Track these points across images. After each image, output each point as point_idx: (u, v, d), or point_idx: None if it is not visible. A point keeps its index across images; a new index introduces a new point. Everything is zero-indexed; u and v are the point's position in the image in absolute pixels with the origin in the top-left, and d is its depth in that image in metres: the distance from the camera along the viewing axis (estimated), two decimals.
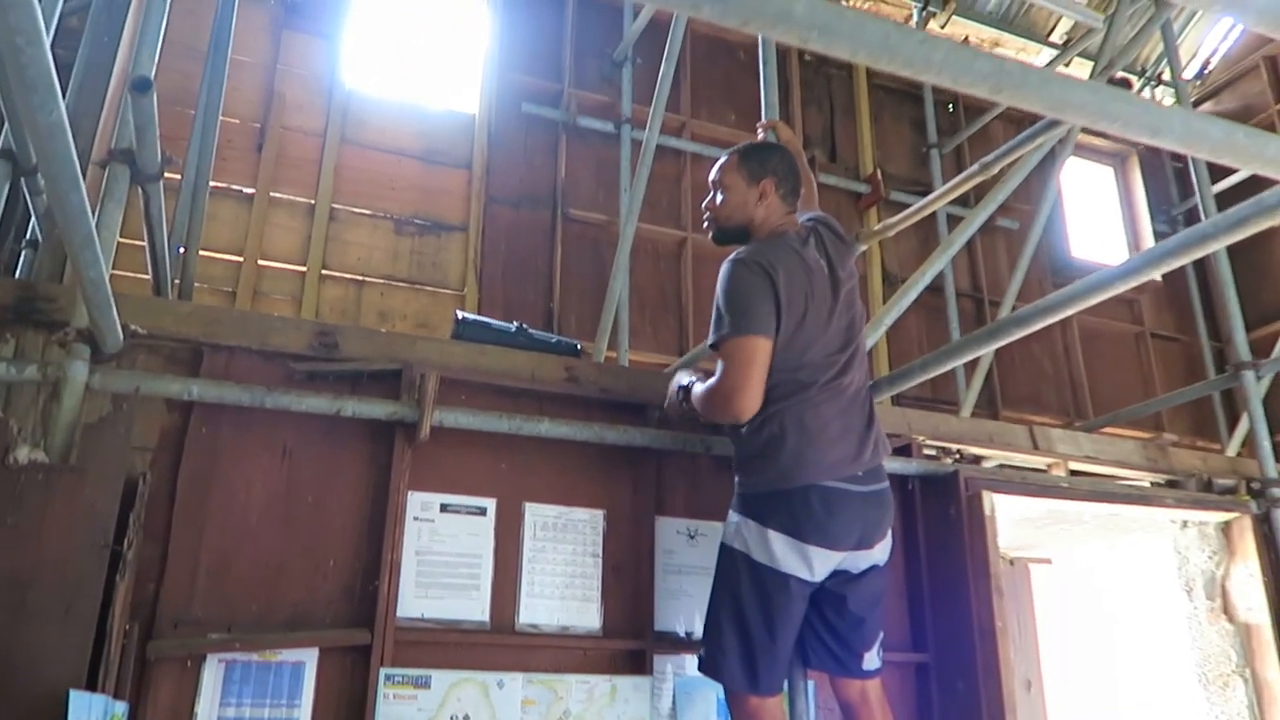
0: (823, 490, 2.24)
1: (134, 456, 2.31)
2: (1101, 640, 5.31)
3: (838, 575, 2.33)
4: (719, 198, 2.52)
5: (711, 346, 2.33)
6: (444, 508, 2.56)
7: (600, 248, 5.21)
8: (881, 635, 2.48)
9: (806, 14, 1.03)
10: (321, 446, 2.52)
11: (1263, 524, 3.39)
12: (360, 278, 4.72)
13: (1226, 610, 3.32)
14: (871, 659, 2.43)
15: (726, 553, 2.34)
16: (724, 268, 2.35)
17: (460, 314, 2.94)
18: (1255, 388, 3.89)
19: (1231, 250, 4.73)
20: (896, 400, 5.35)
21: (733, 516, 2.36)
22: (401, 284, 4.79)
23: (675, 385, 2.57)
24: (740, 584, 2.28)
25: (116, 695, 2.02)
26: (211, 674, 2.22)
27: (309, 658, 2.30)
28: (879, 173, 6.07)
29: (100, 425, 2.21)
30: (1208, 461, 3.66)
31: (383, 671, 2.31)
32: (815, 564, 2.25)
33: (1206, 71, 7.62)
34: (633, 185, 4.30)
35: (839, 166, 6.18)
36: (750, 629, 2.26)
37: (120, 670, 2.07)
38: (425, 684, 2.34)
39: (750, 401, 2.23)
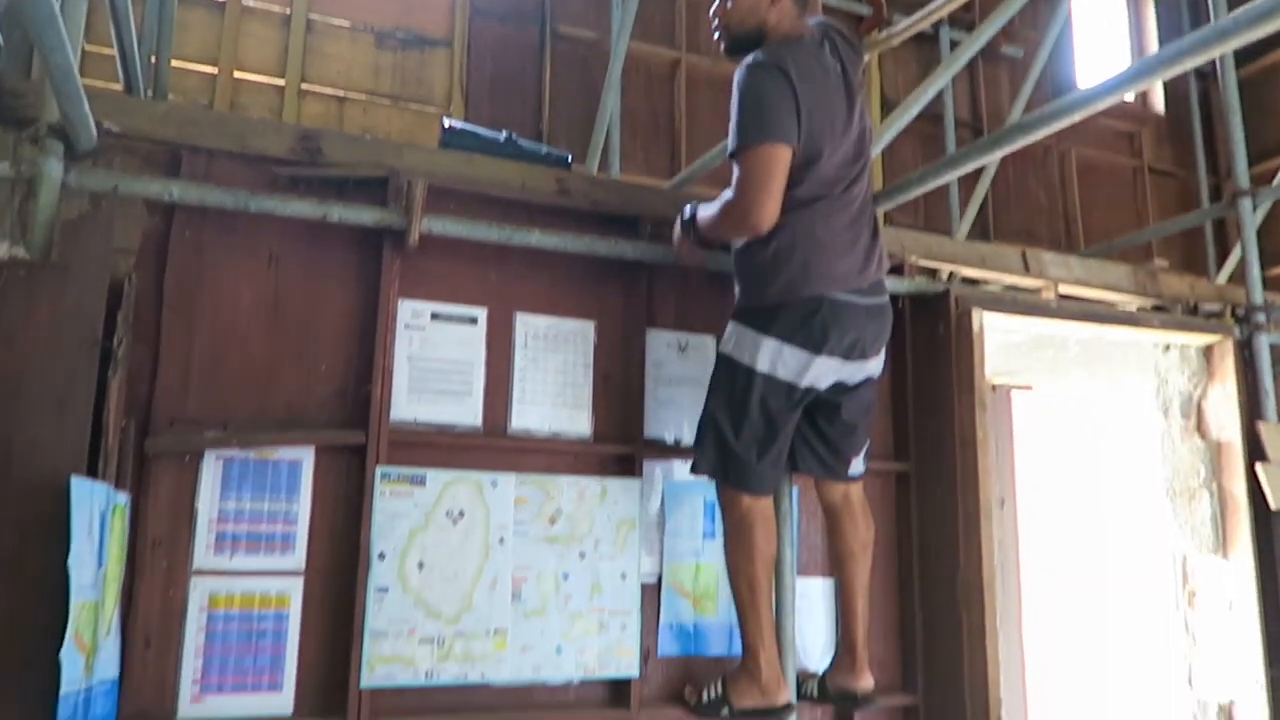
0: (832, 302, 2.26)
1: (117, 258, 2.28)
2: (1075, 464, 5.49)
3: (835, 385, 2.38)
4: (729, 2, 2.41)
5: (730, 156, 2.26)
6: (435, 316, 2.55)
7: (590, 66, 5.02)
8: (868, 442, 2.56)
9: None
10: (308, 253, 2.49)
11: (1244, 348, 3.44)
12: (341, 93, 4.56)
13: (1200, 428, 3.41)
14: (857, 464, 2.53)
15: (726, 362, 2.37)
16: (739, 73, 2.27)
17: (448, 121, 2.85)
18: (1250, 215, 3.87)
19: (1239, 83, 4.60)
20: (889, 222, 5.32)
21: (733, 327, 2.38)
22: (384, 100, 4.63)
23: (678, 223, 2.53)
24: (740, 392, 2.32)
25: (117, 487, 2.07)
26: (210, 470, 2.27)
27: (305, 456, 2.35)
28: None
29: (80, 223, 2.17)
30: (1195, 288, 3.68)
31: (379, 469, 2.36)
32: (817, 374, 2.30)
33: None
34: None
35: None
36: (745, 435, 2.32)
37: (120, 466, 2.12)
38: (420, 481, 2.40)
39: (770, 212, 2.18)
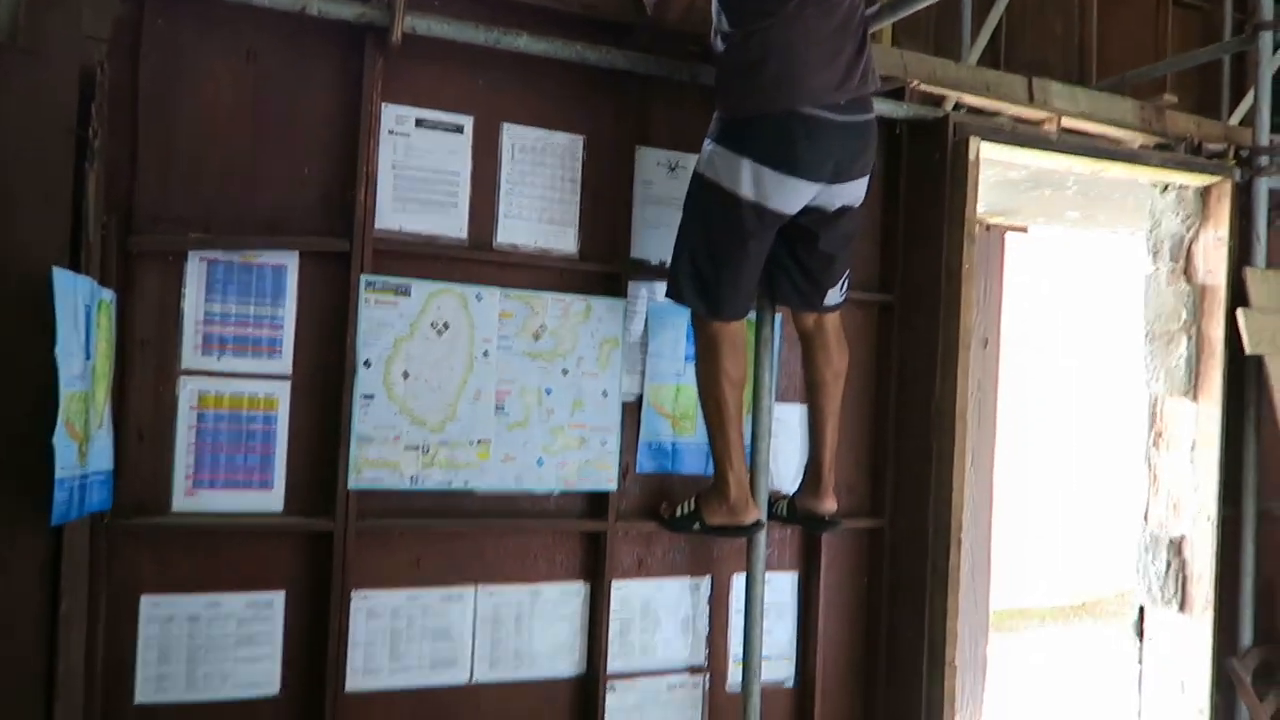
0: (803, 117, 2.18)
1: (89, 46, 2.18)
2: (1063, 307, 5.53)
3: (812, 212, 2.33)
4: None
5: None
6: (419, 122, 2.49)
7: None
8: (848, 272, 2.54)
9: None
10: (289, 51, 2.39)
11: (1242, 192, 3.40)
12: None
13: (1187, 272, 3.42)
14: (834, 295, 2.50)
15: (697, 180, 2.33)
16: None
17: None
18: (1269, 50, 3.71)
19: None
20: (896, 43, 5.12)
21: (708, 143, 2.32)
22: None
23: None
24: (709, 212, 2.29)
25: (102, 284, 2.07)
26: (195, 271, 2.27)
27: (290, 261, 2.35)
28: None
29: (45, 4, 2.06)
30: (1202, 127, 3.60)
31: (363, 278, 2.36)
32: (788, 195, 2.24)
33: None
34: None
35: None
36: (716, 256, 2.31)
37: (104, 262, 2.11)
38: (405, 291, 2.41)
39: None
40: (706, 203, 2.30)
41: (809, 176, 2.22)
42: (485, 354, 2.49)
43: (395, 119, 2.46)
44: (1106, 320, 4.99)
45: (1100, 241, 4.83)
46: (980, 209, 4.53)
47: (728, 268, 2.31)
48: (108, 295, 2.08)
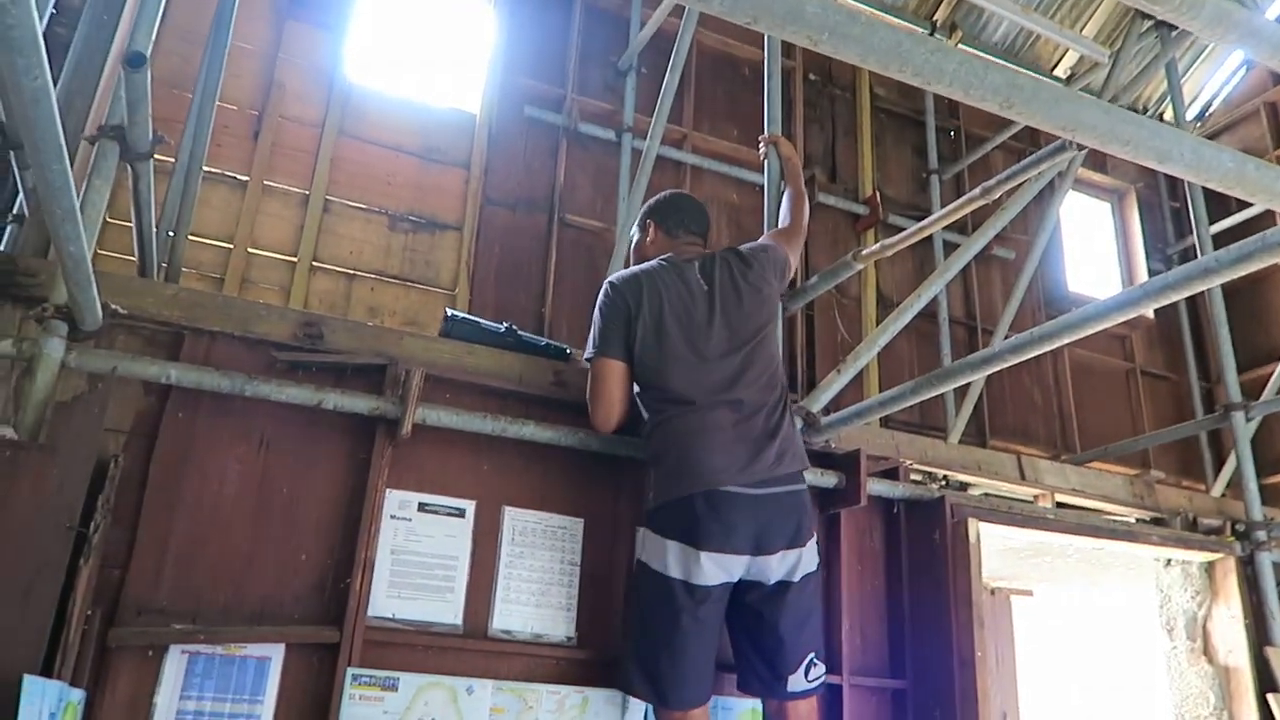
0: (708, 494, 2.26)
1: (107, 438, 2.26)
2: (1080, 675, 5.28)
3: (752, 589, 2.31)
4: (634, 243, 2.84)
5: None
6: (422, 507, 2.51)
7: (595, 255, 5.18)
8: (811, 657, 2.38)
9: (818, 14, 1.00)
10: (300, 438, 2.48)
11: (1246, 566, 3.37)
12: (351, 271, 4.67)
13: (1207, 651, 3.29)
14: (797, 681, 2.34)
15: (637, 565, 2.41)
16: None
17: (450, 311, 2.90)
18: (1244, 429, 3.88)
19: (1226, 293, 4.74)
20: (886, 423, 5.33)
21: (640, 531, 2.41)
22: (393, 280, 4.74)
23: None
24: (646, 595, 2.33)
25: (74, 683, 1.97)
26: (173, 665, 2.16)
27: (275, 653, 2.25)
28: (878, 195, 6.06)
29: (74, 404, 2.17)
30: (1193, 501, 3.64)
31: (350, 671, 2.25)
32: (708, 569, 2.24)
33: (1208, 114, 7.66)
34: (630, 193, 4.27)
35: (839, 187, 6.17)
36: (656, 639, 2.26)
37: (79, 657, 2.02)
38: (393, 686, 2.28)
39: (602, 416, 2.47)
40: (643, 586, 2.33)
41: (725, 549, 2.24)
42: None
43: (398, 504, 2.49)
44: (1127, 691, 4.72)
45: (1109, 605, 4.71)
46: (984, 574, 4.49)
47: (668, 651, 2.23)
48: (76, 696, 1.97)
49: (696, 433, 2.32)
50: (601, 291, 2.56)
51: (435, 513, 2.52)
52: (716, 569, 2.25)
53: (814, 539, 2.41)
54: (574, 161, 5.35)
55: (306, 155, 4.75)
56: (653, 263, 2.60)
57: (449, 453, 2.58)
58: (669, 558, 2.26)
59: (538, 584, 2.55)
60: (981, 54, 6.84)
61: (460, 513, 2.54)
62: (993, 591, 4.63)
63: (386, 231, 4.82)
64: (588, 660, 2.53)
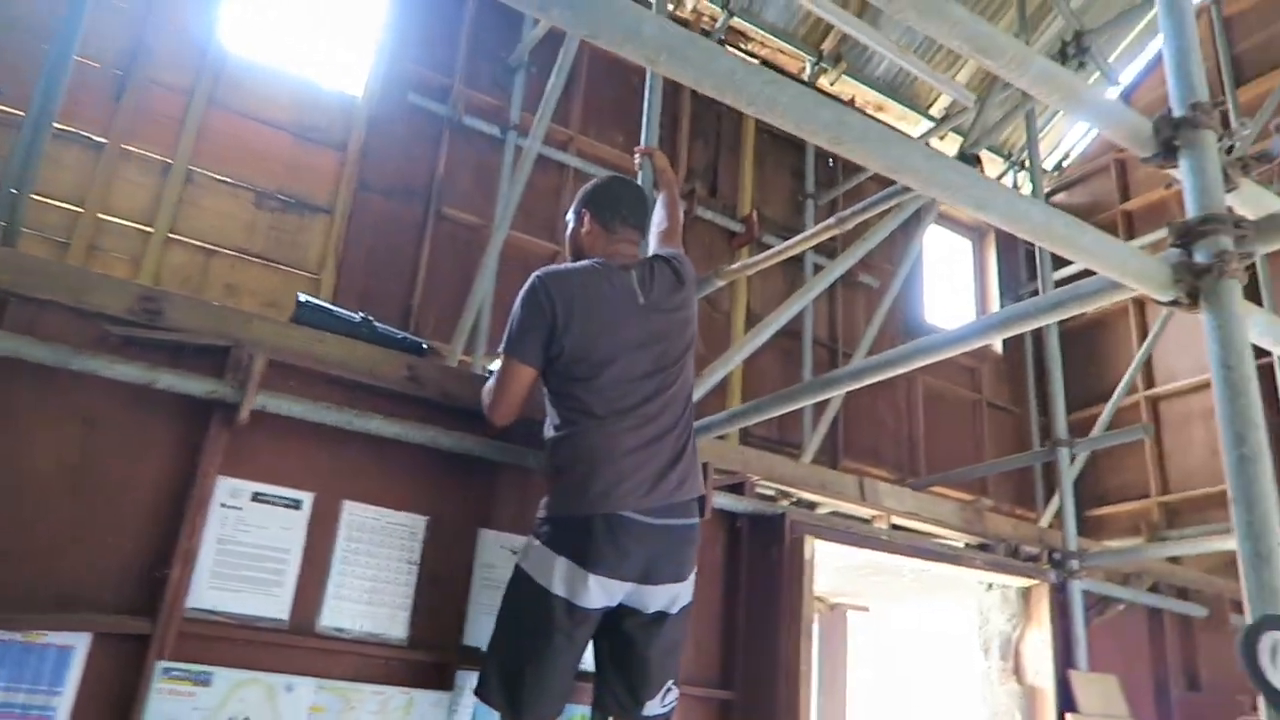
0: (607, 518, 2.22)
1: None
2: (906, 689, 5.52)
3: (629, 616, 2.29)
4: (566, 230, 2.70)
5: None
6: (256, 496, 2.42)
7: (471, 250, 5.12)
8: (669, 684, 2.42)
9: (655, 35, 1.02)
10: (129, 418, 2.35)
11: (1058, 593, 3.60)
12: (211, 247, 4.48)
13: (1017, 672, 3.50)
14: (653, 707, 2.36)
15: (516, 573, 2.31)
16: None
17: (302, 296, 2.81)
18: (1068, 465, 4.15)
19: (1066, 334, 5.07)
20: (744, 438, 5.46)
21: (528, 539, 2.33)
22: (255, 259, 4.57)
23: None
24: (521, 606, 2.25)
25: None
26: None
27: (80, 642, 2.12)
28: (755, 214, 6.21)
29: None
30: (1018, 529, 3.86)
31: (160, 664, 2.15)
32: (594, 592, 2.20)
33: (1065, 165, 8.17)
34: (509, 190, 4.25)
35: (718, 203, 6.29)
36: (523, 652, 2.22)
37: None
38: (206, 681, 2.19)
39: (499, 415, 2.43)
40: (520, 596, 2.26)
41: (615, 575, 2.22)
42: None
43: (230, 492, 2.39)
44: (944, 704, 4.96)
45: (937, 625, 4.94)
46: (823, 589, 4.64)
47: (534, 664, 2.21)
48: None
49: (607, 452, 2.25)
50: (530, 285, 2.38)
51: (269, 503, 2.43)
52: (601, 593, 2.21)
53: (694, 572, 2.38)
54: (456, 154, 5.28)
55: (172, 122, 4.53)
56: (588, 264, 2.45)
57: (289, 442, 2.50)
58: (555, 574, 2.19)
59: (373, 581, 2.50)
60: (864, 86, 7.13)
61: (296, 504, 2.46)
62: (831, 607, 4.79)
63: (252, 208, 4.64)
64: (420, 662, 2.49)
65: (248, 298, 4.48)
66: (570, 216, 2.66)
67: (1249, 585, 1.27)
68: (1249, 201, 1.74)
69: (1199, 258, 1.47)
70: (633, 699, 2.32)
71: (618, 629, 2.29)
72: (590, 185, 2.69)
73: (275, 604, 2.36)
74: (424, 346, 2.91)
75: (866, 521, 3.40)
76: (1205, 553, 4.16)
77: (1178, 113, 1.58)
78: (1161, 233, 5.87)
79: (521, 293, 2.40)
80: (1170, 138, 1.57)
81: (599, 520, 2.20)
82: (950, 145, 7.20)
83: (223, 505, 2.37)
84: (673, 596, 2.33)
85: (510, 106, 5.41)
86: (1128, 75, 7.59)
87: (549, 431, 2.38)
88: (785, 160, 6.80)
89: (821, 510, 3.50)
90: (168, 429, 2.38)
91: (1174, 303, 1.53)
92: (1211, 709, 3.99)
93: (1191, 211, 1.50)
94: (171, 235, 4.38)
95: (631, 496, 2.24)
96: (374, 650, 2.44)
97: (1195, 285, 1.46)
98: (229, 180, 4.61)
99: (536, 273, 2.41)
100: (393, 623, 2.49)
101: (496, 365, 2.54)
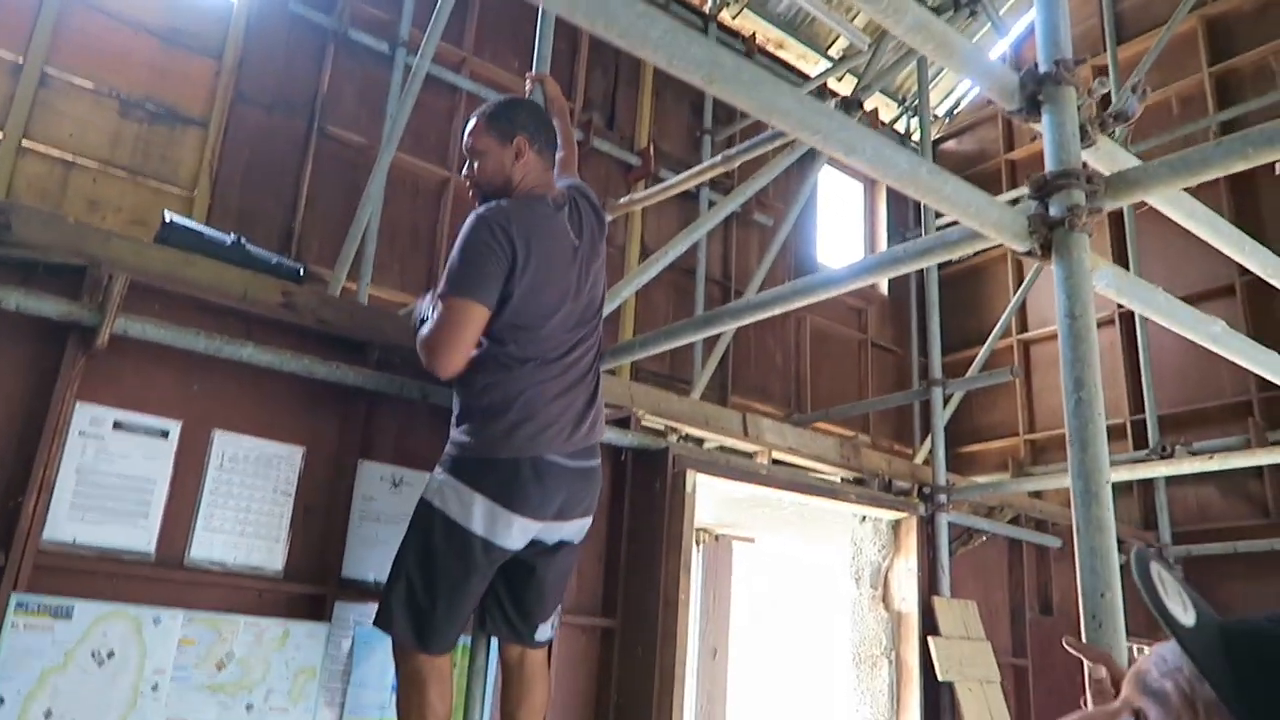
0: (535, 461, 2.24)
1: None
2: (785, 617, 5.76)
3: (533, 545, 2.33)
4: (475, 165, 2.43)
5: (439, 296, 2.27)
6: (118, 425, 2.31)
7: (356, 172, 4.93)
8: (559, 608, 2.50)
9: None
10: None
11: (926, 525, 3.79)
12: (70, 157, 4.19)
13: (885, 599, 3.69)
14: (545, 630, 2.44)
15: (424, 508, 2.27)
16: (469, 219, 2.29)
17: (168, 215, 2.67)
18: (940, 403, 4.33)
19: (946, 279, 5.25)
20: (636, 373, 5.51)
21: (438, 474, 2.29)
22: (120, 173, 4.30)
23: (418, 312, 2.47)
24: (433, 543, 2.23)
25: None
26: None
27: None
28: (652, 148, 6.17)
29: None
30: (892, 465, 4.03)
31: (14, 597, 2.06)
32: (515, 532, 2.23)
33: (955, 112, 8.36)
34: (398, 111, 4.10)
35: (615, 135, 6.22)
36: (435, 589, 2.22)
37: None
38: (65, 614, 2.11)
39: (451, 363, 2.21)
40: (433, 533, 2.24)
41: (536, 516, 2.25)
42: (155, 687, 2.19)
43: (90, 419, 2.28)
44: (823, 636, 5.21)
45: (815, 556, 5.15)
46: (709, 520, 4.77)
47: (445, 600, 2.22)
48: None
49: (538, 398, 2.25)
50: (479, 224, 2.23)
51: (133, 431, 2.33)
52: (521, 534, 2.23)
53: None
54: (341, 70, 5.05)
55: (23, 15, 4.17)
56: (527, 202, 2.33)
57: (155, 369, 2.39)
58: (474, 512, 2.18)
59: (247, 513, 2.44)
60: (765, 22, 7.09)
61: (163, 434, 2.37)
62: (716, 538, 4.93)
63: (117, 118, 4.35)
64: (295, 593, 2.46)
65: (113, 215, 4.22)
66: (491, 141, 2.39)
67: (1079, 519, 1.36)
68: (1105, 158, 1.81)
69: (1053, 211, 1.53)
70: (526, 624, 2.38)
71: (516, 558, 2.31)
72: (508, 107, 2.47)
73: (140, 536, 2.28)
74: (301, 272, 2.81)
75: (750, 456, 3.49)
76: (1062, 488, 4.44)
77: (1044, 69, 1.63)
78: None
79: (471, 231, 2.24)
80: (1035, 92, 1.62)
81: (526, 463, 2.22)
82: (847, 86, 7.27)
83: (81, 433, 2.26)
84: (580, 528, 2.40)
85: (400, 21, 5.19)
86: (1022, 28, 7.76)
87: (471, 371, 2.28)
88: (684, 94, 6.74)
89: (708, 445, 3.58)
90: (19, 353, 2.24)
91: (1029, 253, 1.60)
92: (1060, 629, 4.31)
93: (1049, 166, 1.56)
94: (25, 142, 4.07)
95: (556, 441, 2.26)
96: (247, 582, 2.40)
97: (1048, 237, 1.53)
98: (90, 85, 4.30)
99: (482, 211, 2.27)
100: (268, 555, 2.45)
101: (425, 306, 2.43)
